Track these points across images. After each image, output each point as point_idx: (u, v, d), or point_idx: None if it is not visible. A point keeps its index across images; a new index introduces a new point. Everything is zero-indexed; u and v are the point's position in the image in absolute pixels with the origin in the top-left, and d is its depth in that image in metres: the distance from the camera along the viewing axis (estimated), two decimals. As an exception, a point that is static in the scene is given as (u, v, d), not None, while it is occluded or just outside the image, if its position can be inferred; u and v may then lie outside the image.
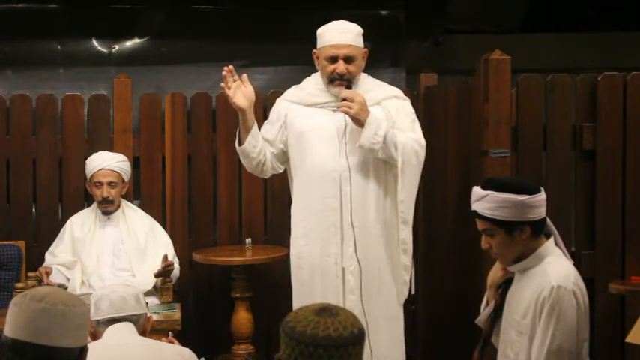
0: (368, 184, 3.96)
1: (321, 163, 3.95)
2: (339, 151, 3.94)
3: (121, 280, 4.39)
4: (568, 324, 2.96)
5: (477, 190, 3.07)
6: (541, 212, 3.04)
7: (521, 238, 3.02)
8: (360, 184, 3.94)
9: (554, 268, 3.01)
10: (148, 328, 3.01)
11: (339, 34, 3.97)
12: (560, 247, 3.13)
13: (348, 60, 3.95)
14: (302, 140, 4.00)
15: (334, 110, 3.97)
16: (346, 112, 3.86)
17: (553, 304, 2.95)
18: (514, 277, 3.15)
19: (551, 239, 3.11)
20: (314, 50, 4.05)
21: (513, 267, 3.11)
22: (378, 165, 3.97)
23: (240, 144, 4.00)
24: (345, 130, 3.94)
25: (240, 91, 3.93)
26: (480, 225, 3.08)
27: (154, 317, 4.08)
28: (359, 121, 3.85)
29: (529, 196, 3.00)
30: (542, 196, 3.05)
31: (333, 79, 3.96)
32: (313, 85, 4.08)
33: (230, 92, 3.92)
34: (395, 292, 4.03)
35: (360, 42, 4.00)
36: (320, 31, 4.03)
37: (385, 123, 3.89)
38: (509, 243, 3.04)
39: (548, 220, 3.13)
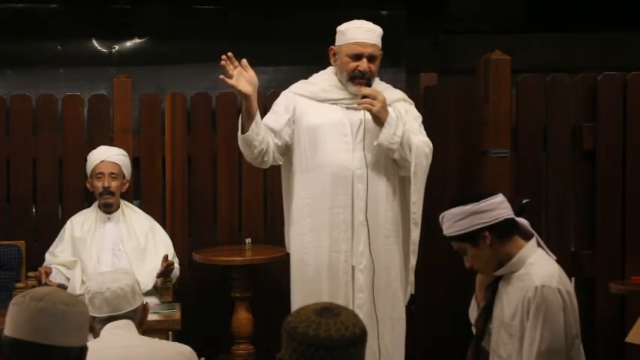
0: (380, 183, 3.96)
1: (333, 159, 3.93)
2: (353, 148, 3.94)
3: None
4: (555, 323, 2.99)
5: (439, 217, 3.17)
6: (496, 215, 3.09)
7: (487, 245, 3.09)
8: (374, 183, 3.94)
9: (537, 269, 3.06)
10: (145, 317, 2.98)
11: (365, 33, 3.95)
12: (542, 248, 3.16)
13: (371, 59, 3.94)
14: (313, 135, 3.97)
15: (347, 107, 3.97)
16: (368, 110, 3.84)
17: (539, 304, 2.99)
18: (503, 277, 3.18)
19: (533, 241, 3.14)
20: (332, 47, 4.02)
21: (497, 272, 3.15)
22: (389, 165, 3.97)
23: (243, 132, 3.89)
24: (359, 127, 3.93)
25: (243, 76, 3.81)
26: (454, 246, 3.18)
27: (155, 317, 4.11)
28: (379, 120, 3.85)
29: (475, 203, 3.08)
30: (491, 200, 3.10)
31: (354, 77, 3.94)
32: (325, 81, 4.06)
33: (232, 81, 3.77)
34: (401, 293, 4.05)
35: (380, 43, 3.99)
36: (342, 28, 3.99)
37: (401, 124, 3.90)
38: (479, 254, 3.12)
39: (524, 222, 3.16)
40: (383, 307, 3.96)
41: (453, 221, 3.10)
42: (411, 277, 4.05)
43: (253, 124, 3.85)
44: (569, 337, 3.03)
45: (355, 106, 3.93)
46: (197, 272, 5.08)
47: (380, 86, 4.04)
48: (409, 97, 4.29)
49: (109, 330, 2.85)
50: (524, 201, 3.32)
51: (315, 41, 4.33)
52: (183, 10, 5.87)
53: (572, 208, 4.78)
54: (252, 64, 3.85)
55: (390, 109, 3.93)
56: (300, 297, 4.01)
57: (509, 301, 3.10)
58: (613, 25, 6.82)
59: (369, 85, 3.93)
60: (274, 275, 4.95)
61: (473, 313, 3.33)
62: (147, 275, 4.49)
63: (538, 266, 3.06)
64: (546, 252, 3.16)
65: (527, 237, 3.14)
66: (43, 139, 5.06)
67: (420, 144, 3.93)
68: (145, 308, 2.98)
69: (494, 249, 3.09)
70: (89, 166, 4.72)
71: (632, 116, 4.71)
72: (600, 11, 6.85)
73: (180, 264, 4.75)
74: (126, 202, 4.78)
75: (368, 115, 3.86)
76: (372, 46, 3.94)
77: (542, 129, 4.73)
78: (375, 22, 4.03)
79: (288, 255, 4.20)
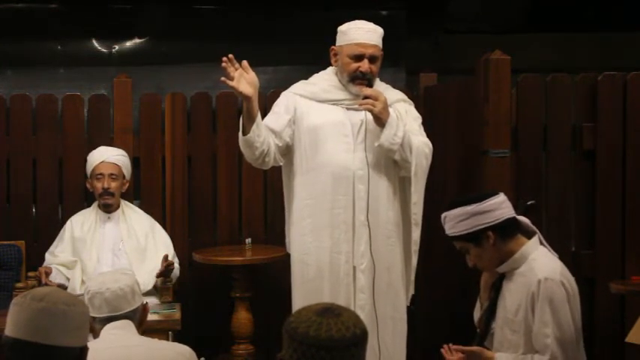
0: (381, 183, 3.97)
1: (334, 159, 3.93)
2: (354, 149, 3.94)
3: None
4: (563, 315, 3.03)
5: (441, 217, 3.20)
6: (498, 215, 3.13)
7: (490, 244, 3.12)
8: (375, 183, 3.94)
9: (540, 264, 3.11)
10: (145, 317, 2.99)
11: (367, 33, 3.95)
12: (545, 246, 3.18)
13: (372, 60, 3.94)
14: (314, 135, 3.97)
15: (348, 108, 3.97)
16: (370, 110, 3.84)
17: (544, 298, 3.02)
18: (506, 275, 3.20)
19: (535, 238, 3.16)
20: (333, 47, 4.02)
21: (500, 268, 3.17)
22: (389, 165, 3.98)
23: (244, 133, 3.87)
24: (360, 128, 3.93)
25: (244, 78, 3.80)
26: (457, 246, 3.21)
27: (154, 317, 4.10)
28: (380, 120, 3.84)
29: (477, 204, 3.12)
30: (493, 200, 3.14)
31: (355, 78, 3.94)
32: (326, 81, 4.05)
33: (234, 82, 3.77)
34: (402, 293, 4.06)
35: (381, 43, 3.99)
36: (344, 28, 3.99)
37: (402, 125, 3.90)
38: (482, 253, 3.16)
39: (525, 220, 3.18)
40: (384, 308, 3.96)
41: (456, 221, 3.12)
42: (412, 277, 4.06)
43: (254, 126, 3.85)
44: (577, 329, 3.06)
45: (356, 106, 3.93)
46: (197, 272, 5.08)
47: (380, 87, 4.04)
48: (409, 97, 4.30)
49: (108, 330, 2.85)
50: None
51: (315, 41, 4.33)
52: (183, 10, 5.87)
53: (572, 208, 4.78)
54: (252, 64, 3.84)
55: (390, 109, 3.93)
56: (300, 298, 4.00)
57: (512, 297, 3.12)
58: (613, 25, 6.81)
59: (370, 85, 3.93)
60: (274, 275, 4.95)
61: (477, 314, 3.34)
62: (147, 275, 4.50)
63: (540, 262, 3.10)
64: (548, 249, 3.18)
65: (530, 235, 3.17)
66: (43, 139, 5.06)
67: (420, 145, 3.94)
68: (144, 308, 2.98)
69: (497, 248, 3.11)
70: (89, 167, 4.72)
71: (632, 116, 4.71)
72: (600, 11, 6.84)
73: (180, 264, 4.75)
74: (126, 202, 4.78)
75: (369, 116, 3.86)
76: (373, 47, 3.94)
77: (542, 129, 4.74)
78: (375, 22, 4.02)
79: (288, 255, 4.20)
